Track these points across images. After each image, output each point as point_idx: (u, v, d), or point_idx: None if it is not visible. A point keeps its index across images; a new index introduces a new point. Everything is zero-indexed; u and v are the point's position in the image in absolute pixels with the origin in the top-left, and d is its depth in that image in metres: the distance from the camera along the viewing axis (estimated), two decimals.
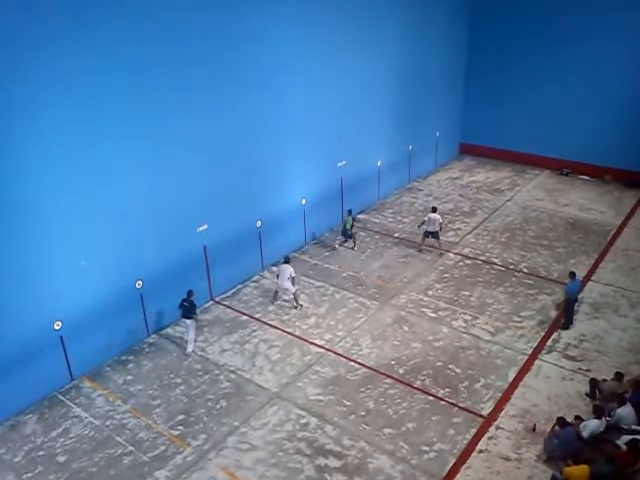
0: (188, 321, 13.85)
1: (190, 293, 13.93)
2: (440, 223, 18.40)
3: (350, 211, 19.25)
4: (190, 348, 13.92)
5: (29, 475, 10.65)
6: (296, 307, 15.64)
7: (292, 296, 15.69)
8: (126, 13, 12.10)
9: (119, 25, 12.01)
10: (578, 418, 10.93)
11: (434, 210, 18.74)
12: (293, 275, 15.50)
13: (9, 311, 11.48)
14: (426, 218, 18.59)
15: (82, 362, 13.11)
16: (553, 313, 15.19)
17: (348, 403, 12.27)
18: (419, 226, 19.03)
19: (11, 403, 11.99)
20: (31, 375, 12.09)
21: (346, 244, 19.15)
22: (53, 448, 11.25)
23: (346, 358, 13.69)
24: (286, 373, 13.21)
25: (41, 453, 11.13)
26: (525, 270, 17.60)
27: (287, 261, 15.77)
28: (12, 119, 10.69)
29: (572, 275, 14.63)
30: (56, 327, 12.41)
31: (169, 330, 14.90)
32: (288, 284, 15.48)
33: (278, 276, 15.61)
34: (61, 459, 10.99)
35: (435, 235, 18.50)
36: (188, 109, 13.94)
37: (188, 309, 13.80)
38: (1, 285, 11.24)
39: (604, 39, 22.98)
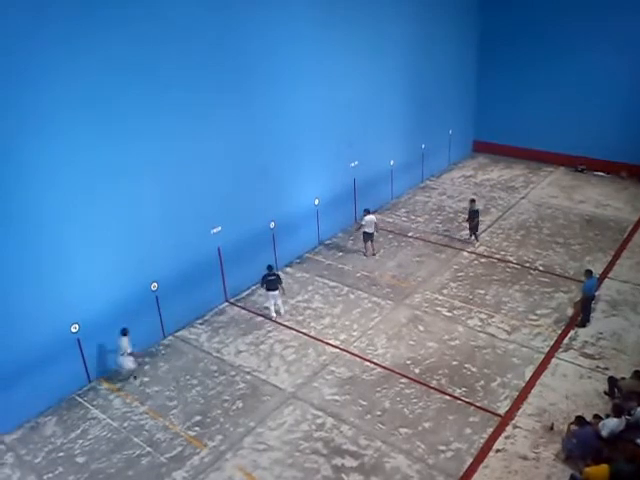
0: (275, 292, 14.92)
1: (271, 267, 15.14)
2: (376, 224, 18.24)
3: (473, 200, 18.98)
4: (283, 310, 15.30)
5: (50, 476, 10.79)
6: None
7: None
8: (138, 14, 12.21)
9: (131, 26, 12.12)
10: (597, 417, 10.81)
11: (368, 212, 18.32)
12: None
13: (27, 315, 11.63)
14: (363, 222, 18.17)
15: (99, 364, 13.24)
16: (570, 311, 15.04)
17: (364, 403, 12.26)
18: (357, 229, 18.77)
19: (31, 405, 12.16)
20: (49, 377, 12.24)
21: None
22: (72, 449, 11.39)
23: (361, 358, 13.68)
24: (302, 373, 13.23)
25: (61, 454, 11.28)
26: (541, 268, 17.46)
27: None
28: (23, 123, 10.82)
29: (589, 273, 14.47)
30: (73, 330, 12.55)
31: (185, 332, 14.98)
32: None
33: None
34: (80, 460, 11.12)
35: (371, 237, 18.32)
36: (201, 111, 14.03)
37: (275, 281, 14.90)
38: (18, 289, 11.41)
39: (618, 34, 22.72)
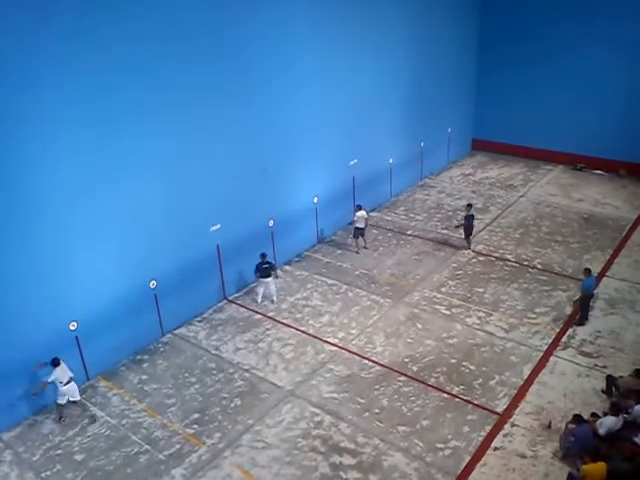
0: (268, 279, 15.51)
1: (265, 255, 15.57)
2: (366, 219, 18.39)
3: (470, 205, 18.79)
4: (275, 298, 15.86)
5: (48, 473, 10.78)
6: None
7: None
8: (138, 13, 12.17)
9: (130, 25, 12.09)
10: (594, 415, 10.83)
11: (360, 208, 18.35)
12: None
13: (25, 313, 11.61)
14: (355, 218, 18.26)
15: (97, 362, 13.23)
16: (568, 309, 15.05)
17: (362, 401, 12.27)
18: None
19: (29, 403, 12.14)
20: (47, 375, 12.20)
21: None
22: (70, 447, 11.38)
23: (360, 356, 13.69)
24: (300, 371, 13.23)
25: (59, 452, 11.27)
26: (539, 266, 17.47)
27: None
28: (23, 123, 10.77)
29: (587, 272, 14.48)
30: (71, 328, 12.54)
31: (183, 329, 14.98)
32: None
33: None
34: (78, 458, 11.11)
35: (361, 232, 18.44)
36: (200, 110, 13.99)
37: (270, 269, 15.54)
38: (17, 287, 11.39)
39: (617, 33, 22.70)
